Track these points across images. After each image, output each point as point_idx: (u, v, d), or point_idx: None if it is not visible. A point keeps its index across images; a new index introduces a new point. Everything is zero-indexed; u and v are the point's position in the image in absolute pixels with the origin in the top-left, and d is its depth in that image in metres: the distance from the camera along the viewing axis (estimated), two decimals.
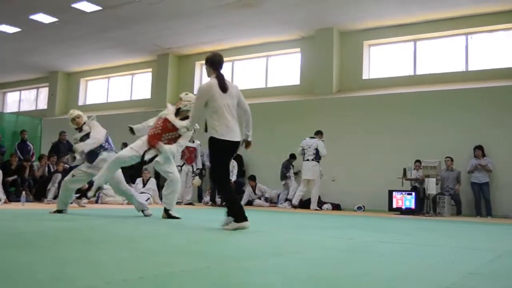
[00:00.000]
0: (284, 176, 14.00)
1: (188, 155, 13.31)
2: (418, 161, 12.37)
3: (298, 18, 14.51)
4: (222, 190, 5.62)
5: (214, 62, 5.60)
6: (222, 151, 5.35)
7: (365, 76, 15.15)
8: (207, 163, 14.18)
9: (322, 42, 15.33)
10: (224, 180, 5.39)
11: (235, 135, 5.40)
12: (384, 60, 15.18)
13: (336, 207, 13.15)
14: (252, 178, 14.21)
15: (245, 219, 5.32)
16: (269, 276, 2.60)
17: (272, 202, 14.35)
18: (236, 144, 5.43)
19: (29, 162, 12.62)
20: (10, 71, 22.35)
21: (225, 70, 17.77)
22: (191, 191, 13.70)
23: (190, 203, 13.40)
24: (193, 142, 13.33)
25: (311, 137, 12.81)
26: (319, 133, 12.88)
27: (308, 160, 12.62)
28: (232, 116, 5.44)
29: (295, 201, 12.70)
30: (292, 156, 14.02)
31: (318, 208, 12.60)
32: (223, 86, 5.43)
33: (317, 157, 12.60)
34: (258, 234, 5.22)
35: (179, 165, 13.23)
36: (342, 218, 9.20)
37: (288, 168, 14.07)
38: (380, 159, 13.45)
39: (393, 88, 14.28)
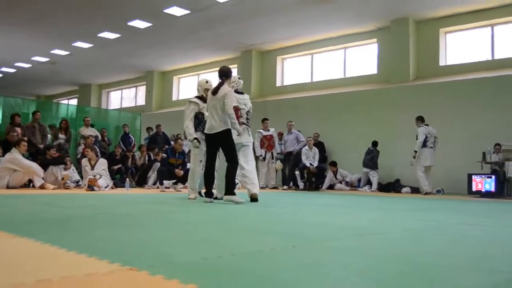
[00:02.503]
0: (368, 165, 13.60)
1: (267, 142, 13.36)
2: (498, 144, 11.73)
3: (374, 10, 14.13)
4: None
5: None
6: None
7: (442, 62, 14.52)
8: (288, 149, 14.16)
9: (398, 31, 14.86)
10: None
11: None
12: (461, 46, 14.46)
13: (416, 190, 12.73)
14: (333, 163, 14.07)
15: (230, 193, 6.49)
16: (354, 255, 2.57)
17: (353, 186, 14.17)
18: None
19: (131, 152, 13.21)
20: (113, 73, 23.48)
21: (305, 63, 17.76)
22: (275, 176, 13.77)
23: (274, 187, 13.51)
24: (269, 130, 13.36)
25: (426, 124, 12.18)
26: (421, 119, 12.25)
27: (431, 147, 12.10)
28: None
29: (427, 189, 12.06)
30: (375, 144, 13.73)
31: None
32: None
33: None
34: (341, 216, 5.17)
35: (261, 155, 13.31)
36: (421, 201, 8.91)
37: (373, 156, 13.64)
38: (459, 144, 12.88)
39: (471, 73, 13.59)
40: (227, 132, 6.54)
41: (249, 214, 5.09)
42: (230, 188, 6.50)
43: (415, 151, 11.97)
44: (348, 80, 16.31)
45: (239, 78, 7.41)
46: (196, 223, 4.00)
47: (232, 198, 6.44)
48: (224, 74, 6.70)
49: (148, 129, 16.42)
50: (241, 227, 3.86)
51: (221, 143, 6.60)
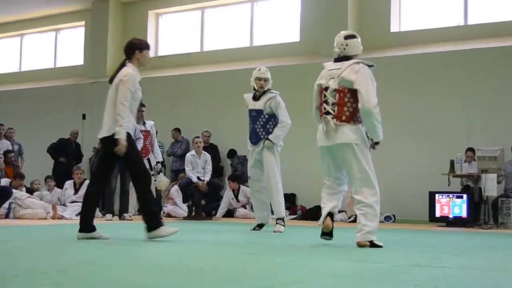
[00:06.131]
0: None
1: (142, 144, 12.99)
2: (471, 149, 12.34)
3: None
4: None
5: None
6: None
7: (394, 28, 15.02)
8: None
9: None
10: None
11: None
12: (421, 6, 15.12)
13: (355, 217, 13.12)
14: (234, 178, 14.11)
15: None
16: None
17: None
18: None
19: None
20: None
21: (193, 21, 17.80)
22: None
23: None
24: (145, 123, 12.82)
25: None
26: None
27: None
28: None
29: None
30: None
31: None
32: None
33: None
34: (244, 257, 5.21)
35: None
36: None
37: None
38: (416, 148, 13.35)
39: (434, 44, 14.14)
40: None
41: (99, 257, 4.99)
42: (150, 219, 6.70)
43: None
44: (256, 51, 16.47)
45: (346, 38, 6.74)
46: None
47: (159, 233, 6.57)
48: (126, 50, 7.15)
49: None
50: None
51: (111, 154, 6.86)
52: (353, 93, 6.22)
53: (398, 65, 14.02)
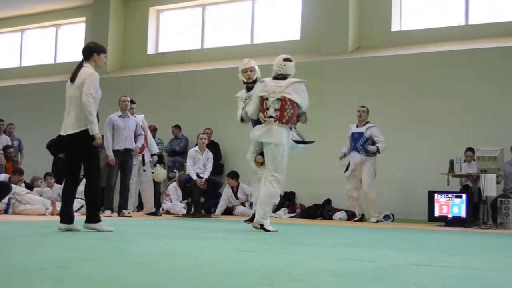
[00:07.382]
0: None
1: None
2: (470, 149, 12.34)
3: None
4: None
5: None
6: None
7: (395, 27, 15.03)
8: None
9: None
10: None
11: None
12: (422, 5, 15.14)
13: (353, 216, 13.12)
14: (234, 175, 14.09)
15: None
16: None
17: None
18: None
19: None
20: None
21: (194, 18, 17.82)
22: (153, 194, 13.38)
23: (154, 213, 12.97)
24: (135, 117, 12.71)
25: None
26: None
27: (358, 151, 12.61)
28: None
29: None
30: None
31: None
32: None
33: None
34: (240, 255, 5.22)
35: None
36: (361, 232, 9.18)
37: None
38: (416, 147, 13.37)
39: (434, 44, 14.18)
40: (85, 135, 7.45)
41: (97, 253, 5.00)
42: (92, 213, 7.36)
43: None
44: (257, 48, 16.47)
45: (284, 60, 8.54)
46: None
47: (95, 226, 7.20)
48: (85, 52, 7.75)
49: None
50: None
51: (77, 150, 7.64)
52: (291, 102, 8.06)
53: (398, 64, 14.05)
